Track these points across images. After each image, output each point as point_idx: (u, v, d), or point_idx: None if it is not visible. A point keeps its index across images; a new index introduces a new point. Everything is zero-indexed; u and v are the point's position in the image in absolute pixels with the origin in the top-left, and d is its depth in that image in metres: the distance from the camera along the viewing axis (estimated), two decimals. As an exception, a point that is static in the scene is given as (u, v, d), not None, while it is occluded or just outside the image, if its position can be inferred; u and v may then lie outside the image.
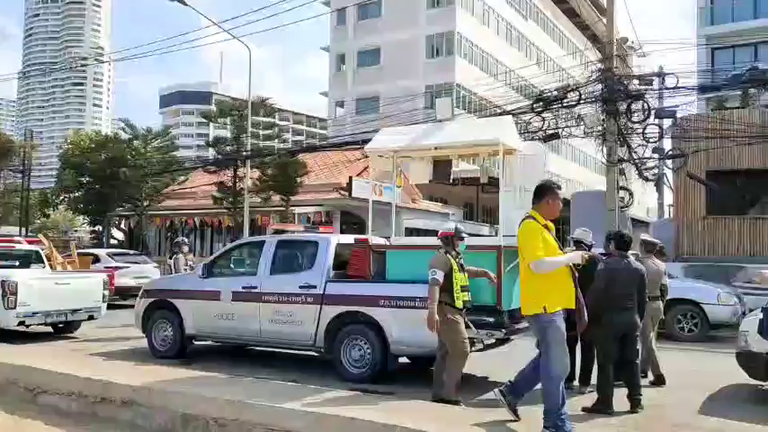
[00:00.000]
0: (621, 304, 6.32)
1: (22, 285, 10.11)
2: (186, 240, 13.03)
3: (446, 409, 5.78)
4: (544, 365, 5.09)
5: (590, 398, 6.48)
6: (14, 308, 9.99)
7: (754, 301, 11.98)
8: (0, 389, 7.36)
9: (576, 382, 7.20)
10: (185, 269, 11.38)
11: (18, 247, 12.79)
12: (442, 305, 6.24)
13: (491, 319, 7.12)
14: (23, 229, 35.27)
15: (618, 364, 6.32)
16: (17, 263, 11.89)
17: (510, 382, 5.53)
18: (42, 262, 12.48)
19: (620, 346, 6.34)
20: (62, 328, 11.56)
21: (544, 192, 5.29)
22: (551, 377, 5.05)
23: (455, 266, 6.36)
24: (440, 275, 6.20)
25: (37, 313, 10.34)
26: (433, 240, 7.08)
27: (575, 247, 7.65)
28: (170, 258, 12.25)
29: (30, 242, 14.57)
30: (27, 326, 10.54)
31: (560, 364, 5.10)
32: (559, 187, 5.45)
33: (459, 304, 6.33)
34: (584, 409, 6.07)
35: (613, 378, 6.23)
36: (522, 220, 5.29)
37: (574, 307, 5.21)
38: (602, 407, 6.10)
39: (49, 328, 11.47)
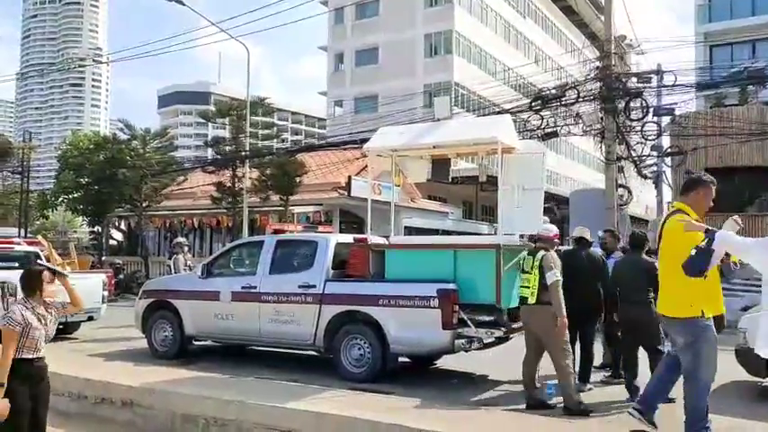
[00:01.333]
0: (628, 298, 6.48)
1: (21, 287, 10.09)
2: (185, 241, 13.04)
3: (446, 408, 5.79)
4: (694, 371, 4.66)
5: (589, 395, 6.50)
6: (14, 309, 9.97)
7: (752, 297, 11.97)
8: None
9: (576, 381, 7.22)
10: (185, 269, 11.39)
11: (17, 248, 12.78)
12: (550, 307, 6.11)
13: (490, 318, 7.14)
14: (22, 231, 35.26)
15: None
16: (16, 264, 11.87)
17: (638, 400, 5.20)
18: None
19: (634, 337, 6.49)
20: (62, 329, 11.54)
21: (696, 184, 4.89)
22: (702, 381, 4.63)
23: None
24: (560, 276, 6.14)
25: (36, 314, 10.32)
26: (433, 239, 7.07)
27: (575, 246, 7.69)
28: (169, 259, 12.26)
29: (29, 243, 14.56)
30: (26, 327, 10.52)
31: (713, 369, 4.70)
32: (713, 182, 4.96)
33: (566, 305, 6.25)
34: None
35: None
36: (671, 214, 4.83)
37: (723, 312, 4.86)
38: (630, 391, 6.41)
39: (49, 330, 11.45)
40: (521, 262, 6.48)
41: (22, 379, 4.15)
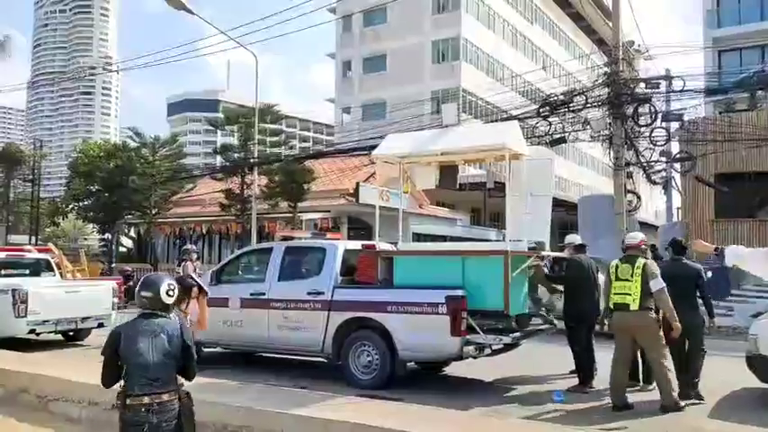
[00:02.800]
0: (681, 302, 6.59)
1: (32, 294, 10.18)
2: (194, 248, 13.08)
3: (455, 415, 5.77)
4: None
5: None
6: (25, 316, 10.06)
7: (764, 304, 11.89)
8: (11, 397, 7.40)
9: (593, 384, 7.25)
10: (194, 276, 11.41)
11: (28, 255, 12.89)
12: (651, 312, 6.33)
13: (499, 325, 7.13)
14: (33, 238, 35.53)
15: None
16: (27, 271, 11.97)
17: None
18: (52, 270, 12.56)
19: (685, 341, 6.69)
20: (72, 335, 11.62)
21: None
22: None
23: None
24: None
25: (47, 321, 10.40)
26: (441, 246, 7.07)
27: (575, 252, 7.73)
28: (178, 266, 12.29)
29: (40, 251, 14.67)
30: (37, 334, 10.60)
31: None
32: None
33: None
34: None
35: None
36: None
37: None
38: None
39: (60, 336, 11.53)
40: (612, 270, 6.58)
41: None
